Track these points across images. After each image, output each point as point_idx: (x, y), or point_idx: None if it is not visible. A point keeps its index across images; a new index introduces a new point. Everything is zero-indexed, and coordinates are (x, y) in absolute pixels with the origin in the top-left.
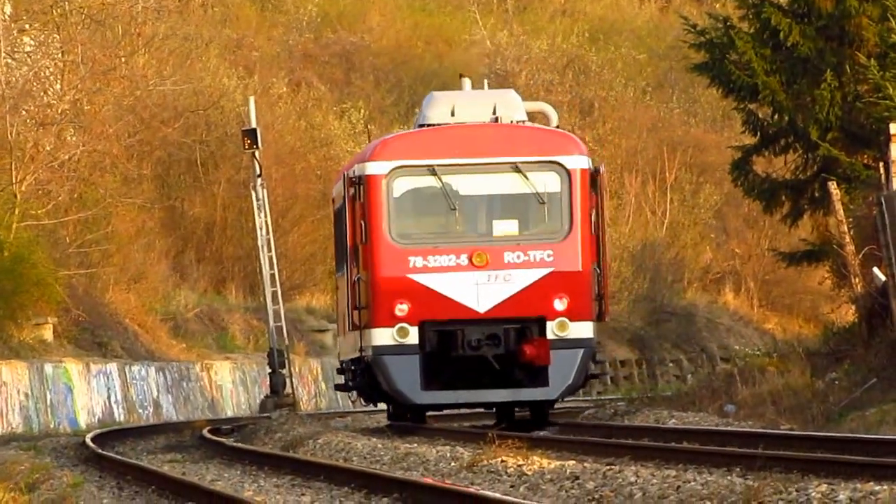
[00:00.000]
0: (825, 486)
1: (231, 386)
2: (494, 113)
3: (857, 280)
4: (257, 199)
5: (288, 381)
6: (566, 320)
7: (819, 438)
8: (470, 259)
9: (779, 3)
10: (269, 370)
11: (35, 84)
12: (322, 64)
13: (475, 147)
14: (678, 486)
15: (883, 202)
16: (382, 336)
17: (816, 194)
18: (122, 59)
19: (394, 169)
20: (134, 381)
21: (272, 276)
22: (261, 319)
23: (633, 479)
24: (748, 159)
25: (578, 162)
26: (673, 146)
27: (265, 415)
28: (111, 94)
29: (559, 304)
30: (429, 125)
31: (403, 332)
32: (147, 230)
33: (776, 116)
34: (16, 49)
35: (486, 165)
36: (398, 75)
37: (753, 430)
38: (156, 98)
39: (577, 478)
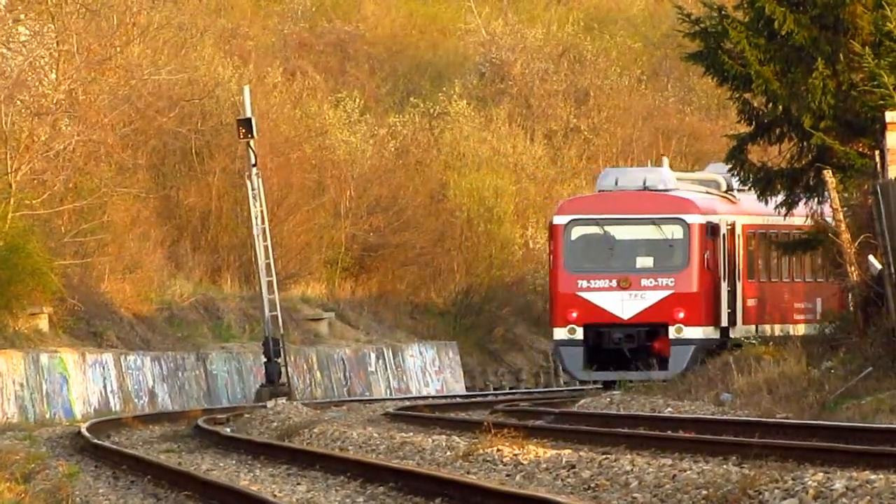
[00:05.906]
0: (821, 474)
1: (226, 375)
2: (644, 184)
3: (852, 268)
4: (252, 189)
5: (283, 370)
6: (682, 326)
7: (815, 427)
8: (619, 283)
9: None
10: (265, 359)
11: (30, 74)
12: (317, 53)
13: (627, 207)
14: (674, 475)
15: (878, 191)
16: (560, 333)
17: (812, 183)
18: (117, 49)
19: (571, 220)
20: (129, 371)
21: (267, 265)
22: (256, 308)
23: (628, 467)
24: (743, 148)
25: (696, 219)
26: (668, 135)
27: (261, 404)
28: (106, 83)
29: (678, 314)
30: (600, 191)
31: (573, 331)
32: (142, 220)
33: (770, 105)
34: (11, 38)
35: (634, 220)
36: (393, 64)
37: (749, 418)
38: (151, 87)
39: (573, 466)
